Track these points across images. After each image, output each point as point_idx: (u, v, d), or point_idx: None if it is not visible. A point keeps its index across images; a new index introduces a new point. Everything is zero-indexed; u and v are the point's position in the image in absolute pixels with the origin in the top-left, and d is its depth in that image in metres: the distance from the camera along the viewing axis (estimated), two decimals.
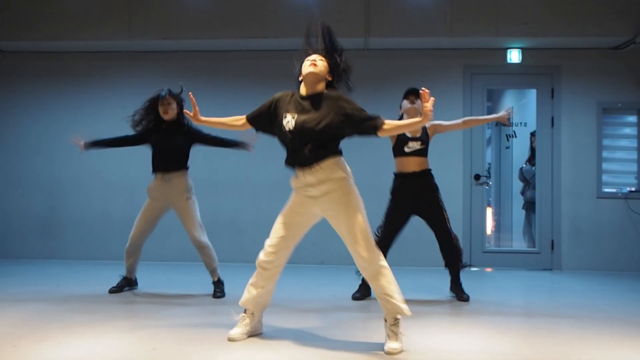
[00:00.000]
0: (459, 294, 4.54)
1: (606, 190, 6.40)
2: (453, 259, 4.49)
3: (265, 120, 3.24)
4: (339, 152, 3.12)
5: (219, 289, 4.60)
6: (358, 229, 3.00)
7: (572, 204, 6.38)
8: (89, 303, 4.30)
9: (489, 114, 6.65)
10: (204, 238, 4.59)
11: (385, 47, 6.46)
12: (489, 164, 8.41)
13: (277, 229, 3.19)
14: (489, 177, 6.71)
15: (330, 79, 3.17)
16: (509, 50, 6.40)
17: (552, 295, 5.07)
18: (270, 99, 3.24)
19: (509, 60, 6.42)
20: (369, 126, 2.99)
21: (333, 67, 3.15)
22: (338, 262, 6.26)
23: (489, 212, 7.94)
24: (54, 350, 3.04)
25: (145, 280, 5.12)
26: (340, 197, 3.04)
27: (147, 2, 6.29)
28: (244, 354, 3.02)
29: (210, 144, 4.66)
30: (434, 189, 4.47)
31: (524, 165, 6.93)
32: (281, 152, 3.20)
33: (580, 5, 5.98)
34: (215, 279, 4.66)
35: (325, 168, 3.02)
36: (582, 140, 6.39)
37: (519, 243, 7.57)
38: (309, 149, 3.00)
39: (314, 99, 3.08)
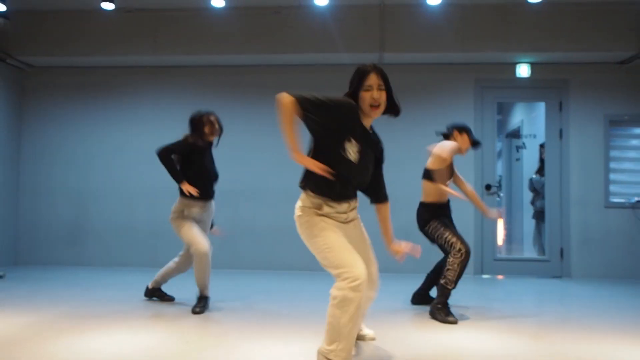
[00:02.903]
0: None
1: (614, 200, 6.57)
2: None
3: (324, 116, 2.52)
4: None
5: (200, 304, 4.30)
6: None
7: (581, 213, 6.55)
8: (117, 303, 4.55)
9: (498, 127, 6.89)
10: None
11: (399, 61, 6.68)
12: (500, 175, 8.62)
13: (342, 247, 2.59)
14: (499, 187, 6.90)
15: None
16: (518, 65, 6.62)
17: (561, 301, 5.20)
18: (340, 101, 2.57)
19: (518, 75, 6.64)
20: (377, 191, 2.89)
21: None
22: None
23: (501, 222, 8.12)
24: (94, 341, 3.31)
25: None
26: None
27: (172, 20, 6.59)
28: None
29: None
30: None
31: (534, 176, 7.11)
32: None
33: (587, 21, 6.20)
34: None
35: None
36: (590, 151, 6.58)
37: (529, 252, 7.73)
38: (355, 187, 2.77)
39: (371, 135, 2.76)
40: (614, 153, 6.67)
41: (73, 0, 6.45)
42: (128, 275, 6.18)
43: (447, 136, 4.47)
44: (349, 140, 2.56)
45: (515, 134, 8.62)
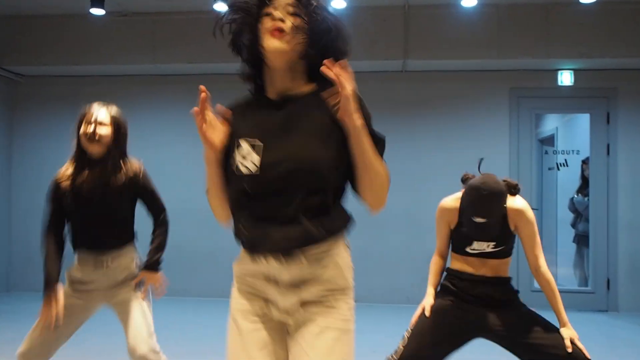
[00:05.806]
0: None
1: None
2: None
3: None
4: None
5: None
6: None
7: (631, 238, 6.01)
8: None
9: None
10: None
11: (424, 68, 6.17)
12: None
13: None
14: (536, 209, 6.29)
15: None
16: (559, 72, 6.07)
17: (609, 343, 4.77)
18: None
19: (559, 83, 6.09)
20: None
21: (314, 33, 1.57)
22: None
23: None
24: None
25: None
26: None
27: (172, 24, 6.13)
28: None
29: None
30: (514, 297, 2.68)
31: (575, 196, 6.54)
32: None
33: None
34: None
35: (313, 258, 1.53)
36: None
37: (563, 277, 7.13)
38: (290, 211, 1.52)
39: (291, 104, 1.61)
40: None
41: (63, 4, 5.93)
42: None
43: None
44: (238, 146, 1.57)
45: (548, 141, 7.97)
